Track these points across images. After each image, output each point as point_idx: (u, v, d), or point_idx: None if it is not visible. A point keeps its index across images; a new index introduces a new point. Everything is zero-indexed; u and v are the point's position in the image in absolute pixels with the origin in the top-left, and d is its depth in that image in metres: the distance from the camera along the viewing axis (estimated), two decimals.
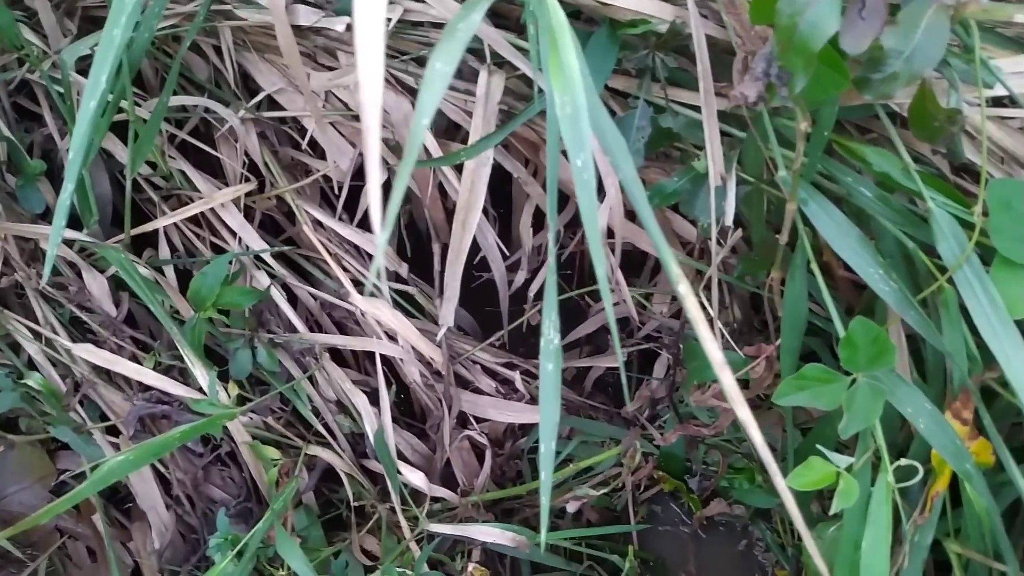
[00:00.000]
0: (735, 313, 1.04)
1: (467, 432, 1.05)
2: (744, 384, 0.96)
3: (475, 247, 1.13)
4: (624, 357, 1.23)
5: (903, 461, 0.69)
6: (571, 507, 1.00)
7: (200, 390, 0.98)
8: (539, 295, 1.13)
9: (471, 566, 0.90)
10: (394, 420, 1.05)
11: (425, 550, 0.93)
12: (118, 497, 1.07)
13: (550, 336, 0.64)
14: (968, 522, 0.78)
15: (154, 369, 1.00)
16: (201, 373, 0.96)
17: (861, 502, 0.71)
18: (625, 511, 1.15)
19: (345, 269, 1.09)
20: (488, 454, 1.02)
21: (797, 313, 0.81)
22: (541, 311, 0.64)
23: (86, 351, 0.99)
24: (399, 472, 0.97)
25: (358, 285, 1.07)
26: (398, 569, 0.88)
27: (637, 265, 1.24)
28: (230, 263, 1.02)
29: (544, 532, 0.67)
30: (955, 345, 0.73)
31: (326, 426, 1.09)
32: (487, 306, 1.23)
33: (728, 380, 0.57)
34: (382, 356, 1.05)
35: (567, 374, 1.29)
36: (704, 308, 0.94)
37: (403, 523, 0.94)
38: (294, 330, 1.09)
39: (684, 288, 0.56)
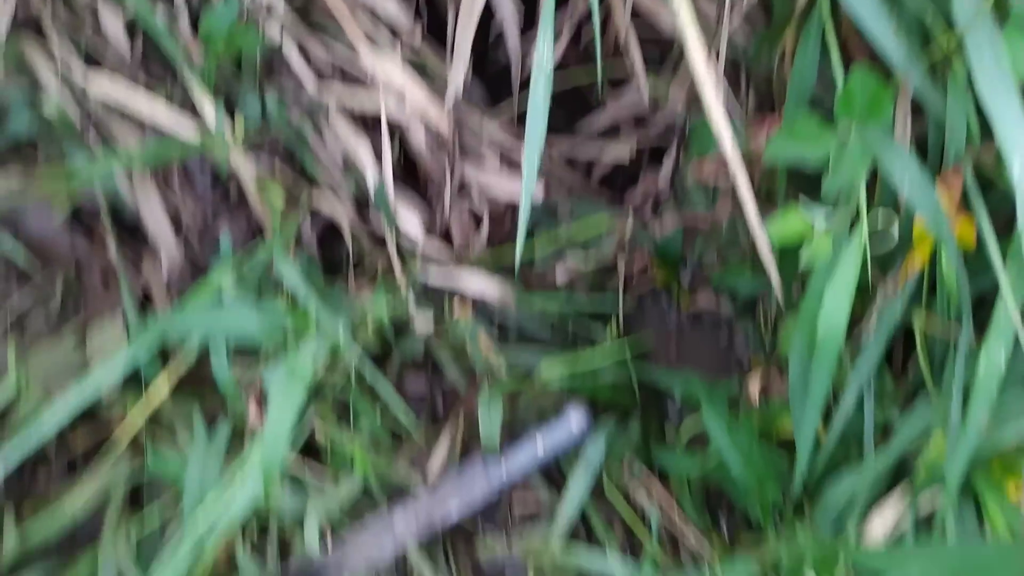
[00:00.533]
0: (750, 99, 1.03)
1: (468, 198, 1.07)
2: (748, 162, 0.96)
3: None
4: (633, 153, 1.23)
5: (880, 212, 0.69)
6: (560, 276, 1.03)
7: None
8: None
9: (458, 308, 0.94)
10: (396, 182, 1.07)
11: (415, 283, 0.97)
12: (132, 231, 1.12)
13: (543, 51, 0.64)
14: (938, 302, 0.79)
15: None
16: (210, 109, 0.98)
17: (834, 262, 0.72)
18: (616, 299, 1.18)
19: (360, 29, 1.07)
20: (485, 216, 1.05)
21: (804, 80, 0.80)
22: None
23: (101, 81, 1.01)
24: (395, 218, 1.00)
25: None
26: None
27: (661, 56, 1.21)
28: (242, 5, 1.01)
29: (518, 258, 0.70)
30: (957, 116, 0.72)
31: (330, 187, 1.11)
32: (506, 93, 1.22)
33: (715, 106, 0.58)
34: (390, 125, 1.05)
35: (576, 168, 1.29)
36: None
37: (397, 271, 0.98)
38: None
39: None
